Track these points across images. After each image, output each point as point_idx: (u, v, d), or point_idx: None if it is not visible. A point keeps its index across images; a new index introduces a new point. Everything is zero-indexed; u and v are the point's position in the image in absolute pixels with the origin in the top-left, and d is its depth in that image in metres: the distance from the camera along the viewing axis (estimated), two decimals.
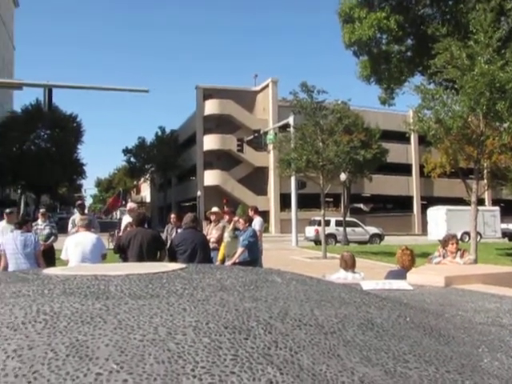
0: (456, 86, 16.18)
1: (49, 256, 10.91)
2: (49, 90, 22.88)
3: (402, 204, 59.95)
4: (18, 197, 69.79)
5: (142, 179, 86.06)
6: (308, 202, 43.50)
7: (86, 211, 14.97)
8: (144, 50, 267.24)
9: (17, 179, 61.33)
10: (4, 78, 63.91)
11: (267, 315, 1.64)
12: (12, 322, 1.51)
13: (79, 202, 15.54)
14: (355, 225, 38.27)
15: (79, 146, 68.22)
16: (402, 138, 39.64)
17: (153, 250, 8.40)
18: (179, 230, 10.97)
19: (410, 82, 23.19)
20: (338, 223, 37.09)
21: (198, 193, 55.79)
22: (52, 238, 12.21)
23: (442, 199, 49.31)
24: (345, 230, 36.17)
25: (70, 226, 12.66)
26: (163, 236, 10.75)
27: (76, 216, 12.86)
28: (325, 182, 24.78)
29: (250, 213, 13.06)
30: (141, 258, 7.95)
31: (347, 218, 38.10)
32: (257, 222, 12.92)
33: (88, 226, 8.91)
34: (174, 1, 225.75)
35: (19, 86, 26.53)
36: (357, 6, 23.32)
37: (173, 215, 12.52)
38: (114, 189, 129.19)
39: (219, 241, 11.25)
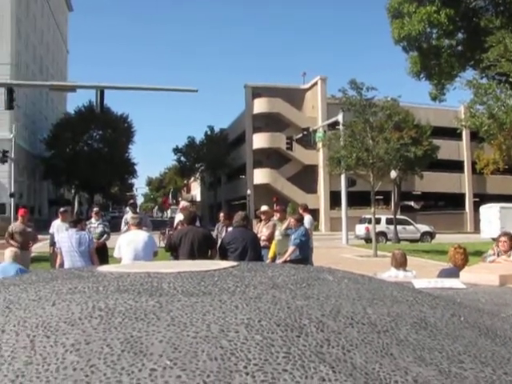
0: (510, 80, 15.78)
1: (102, 254, 11.13)
2: (101, 91, 23.30)
3: (454, 201, 58.77)
4: (71, 196, 71.47)
5: (192, 178, 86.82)
6: (358, 199, 43.08)
7: (137, 210, 15.25)
8: (193, 49, 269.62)
9: (71, 179, 62.79)
10: (58, 80, 65.60)
11: (319, 313, 1.64)
12: (69, 318, 1.54)
13: (131, 201, 15.86)
14: (406, 223, 37.78)
15: (130, 146, 69.53)
16: (453, 134, 38.86)
17: (204, 248, 8.46)
18: (229, 229, 11.03)
19: (461, 77, 22.76)
20: (389, 221, 36.66)
21: (248, 191, 55.96)
22: (105, 236, 12.45)
23: (496, 196, 48.19)
24: (395, 227, 35.74)
25: (122, 224, 12.88)
26: (213, 234, 10.81)
27: (129, 215, 13.08)
28: (375, 180, 24.53)
29: (300, 211, 13.03)
30: (192, 256, 8.01)
31: (398, 216, 37.67)
32: (306, 220, 12.87)
33: (139, 225, 9.05)
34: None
35: (72, 89, 27.09)
36: (406, 0, 22.97)
37: (222, 214, 12.58)
38: (164, 188, 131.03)
39: (270, 239, 11.25)
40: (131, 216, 10.69)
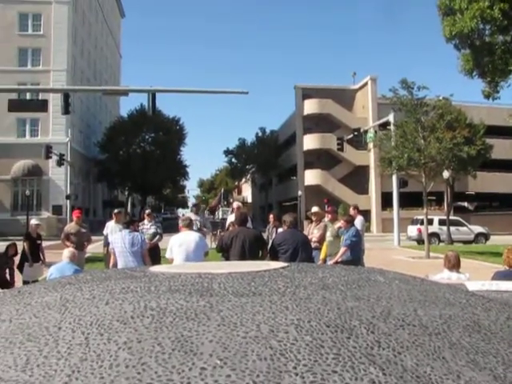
0: None
1: (154, 254, 11.29)
2: (152, 94, 23.61)
3: (509, 202, 57.14)
4: (125, 198, 72.75)
5: (243, 179, 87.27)
6: (410, 200, 42.53)
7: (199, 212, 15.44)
8: (244, 50, 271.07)
9: (124, 181, 63.88)
10: (111, 85, 66.97)
11: (370, 314, 1.62)
12: (122, 316, 1.57)
13: (195, 202, 16.21)
14: (459, 224, 37.05)
15: (182, 148, 70.31)
16: (508, 132, 37.85)
17: (255, 249, 8.49)
18: (279, 230, 11.06)
19: None
20: (442, 222, 36.02)
21: (299, 192, 55.87)
22: (157, 237, 12.64)
23: None
24: (448, 229, 35.11)
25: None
26: (264, 235, 10.83)
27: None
28: (427, 180, 24.20)
29: (352, 212, 12.97)
30: (243, 256, 8.05)
31: (451, 217, 36.98)
32: (358, 221, 12.80)
33: (189, 226, 9.14)
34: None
35: (125, 93, 27.58)
36: None
37: (271, 215, 12.57)
38: (215, 189, 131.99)
39: (321, 240, 11.22)
40: (181, 218, 10.83)
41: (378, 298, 1.84)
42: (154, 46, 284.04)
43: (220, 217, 57.82)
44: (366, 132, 36.66)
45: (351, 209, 13.43)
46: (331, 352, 1.37)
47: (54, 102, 35.82)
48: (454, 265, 7.28)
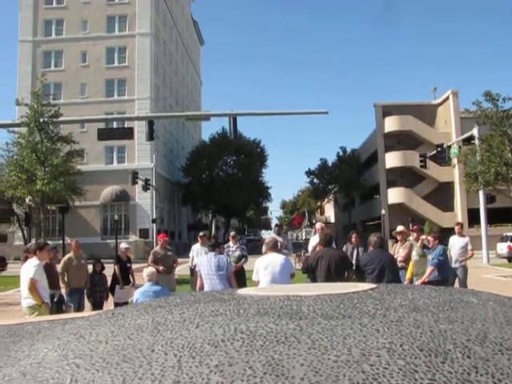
0: None
1: (239, 276, 11.34)
2: (233, 118, 23.89)
3: None
4: (209, 221, 73.84)
5: (326, 200, 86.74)
6: (498, 216, 40.98)
7: (281, 232, 15.36)
8: (322, 69, 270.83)
9: (208, 204, 64.85)
10: (193, 110, 68.59)
11: (464, 338, 1.56)
12: (212, 339, 1.59)
13: (277, 223, 16.12)
14: None
15: (263, 170, 70.81)
16: None
17: (340, 269, 8.40)
18: (360, 249, 10.97)
19: None
20: None
21: (382, 211, 55.04)
22: (243, 259, 12.71)
23: None
24: None
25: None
26: None
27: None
28: None
29: (458, 230, 13.07)
30: (329, 278, 7.99)
31: None
32: (468, 240, 12.91)
33: (274, 248, 9.12)
34: (350, 17, 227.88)
35: (207, 118, 28.13)
36: None
37: (354, 235, 12.32)
38: (298, 210, 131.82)
39: (406, 260, 11.01)
40: (265, 241, 10.84)
41: (472, 320, 1.78)
42: (234, 68, 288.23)
43: (303, 237, 57.44)
44: (449, 147, 35.74)
45: (457, 227, 13.45)
46: (426, 377, 1.33)
47: (139, 129, 36.99)
48: None
